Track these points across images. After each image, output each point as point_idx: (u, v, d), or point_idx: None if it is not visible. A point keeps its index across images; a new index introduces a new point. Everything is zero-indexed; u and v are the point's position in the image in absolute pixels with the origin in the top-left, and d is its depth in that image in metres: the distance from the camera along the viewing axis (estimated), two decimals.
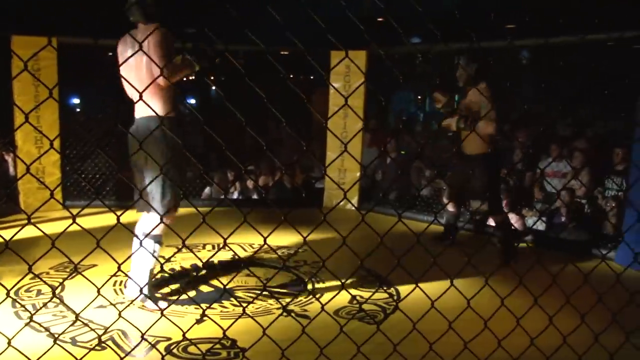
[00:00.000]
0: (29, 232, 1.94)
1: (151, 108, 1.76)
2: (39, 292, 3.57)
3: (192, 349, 2.84)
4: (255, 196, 6.97)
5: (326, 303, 1.67)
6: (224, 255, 4.50)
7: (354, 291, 3.81)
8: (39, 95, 5.60)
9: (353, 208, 5.98)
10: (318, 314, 1.65)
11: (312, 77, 10.29)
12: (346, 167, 6.41)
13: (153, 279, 3.46)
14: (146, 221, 3.36)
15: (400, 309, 1.89)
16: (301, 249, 4.55)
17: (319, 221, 1.61)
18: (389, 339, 1.79)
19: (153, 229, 2.96)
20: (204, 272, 4.16)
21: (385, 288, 3.86)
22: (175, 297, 3.59)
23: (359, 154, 6.28)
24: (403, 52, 6.30)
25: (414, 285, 1.78)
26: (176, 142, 3.14)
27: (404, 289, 3.84)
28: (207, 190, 6.87)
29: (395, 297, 3.74)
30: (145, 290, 3.28)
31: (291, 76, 10.93)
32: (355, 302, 3.54)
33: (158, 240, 3.35)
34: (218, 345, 2.87)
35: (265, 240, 1.49)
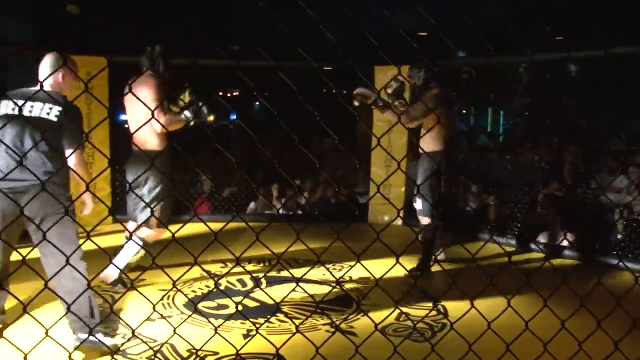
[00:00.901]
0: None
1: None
2: None
3: None
4: (299, 211, 6.98)
5: (380, 322, 1.64)
6: (267, 269, 4.51)
7: (402, 308, 3.75)
8: (91, 113, 5.77)
9: (399, 223, 5.91)
10: (372, 333, 1.61)
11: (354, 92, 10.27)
12: (391, 182, 6.35)
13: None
14: (142, 229, 3.87)
15: (454, 328, 1.83)
16: (348, 265, 4.53)
17: (364, 236, 1.59)
18: (443, 359, 1.74)
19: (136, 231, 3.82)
20: (250, 287, 4.17)
21: (434, 305, 3.78)
22: (230, 312, 3.61)
23: (404, 169, 6.22)
24: (453, 66, 6.26)
25: (461, 302, 1.73)
26: (165, 170, 3.87)
27: (451, 306, 3.74)
28: (251, 205, 6.91)
29: (443, 314, 3.65)
30: (116, 275, 3.85)
31: (333, 91, 10.96)
32: (402, 318, 3.47)
33: (144, 243, 3.85)
34: None
35: (318, 258, 1.48)
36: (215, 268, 4.56)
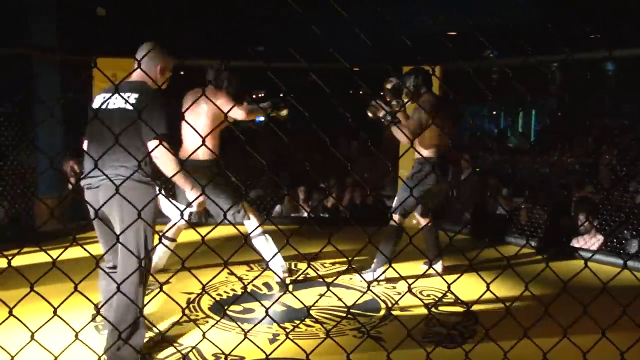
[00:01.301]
0: None
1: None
2: None
3: None
4: (325, 214, 6.94)
5: (412, 328, 1.59)
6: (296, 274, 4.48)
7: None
8: None
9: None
10: (405, 339, 1.57)
11: (381, 93, 10.22)
12: None
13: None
14: (249, 226, 4.12)
15: (489, 335, 1.77)
16: (383, 269, 4.46)
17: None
18: None
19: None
20: (276, 290, 4.15)
21: (467, 311, 3.70)
22: (256, 316, 3.59)
23: None
24: (487, 65, 6.17)
25: (492, 308, 1.67)
26: (223, 175, 4.09)
27: (480, 312, 3.65)
28: (277, 208, 6.90)
29: (474, 320, 3.56)
30: (285, 268, 4.21)
31: (360, 92, 10.91)
32: (432, 324, 3.40)
33: (265, 232, 4.12)
34: None
35: (350, 263, 1.44)
36: (241, 271, 4.54)
